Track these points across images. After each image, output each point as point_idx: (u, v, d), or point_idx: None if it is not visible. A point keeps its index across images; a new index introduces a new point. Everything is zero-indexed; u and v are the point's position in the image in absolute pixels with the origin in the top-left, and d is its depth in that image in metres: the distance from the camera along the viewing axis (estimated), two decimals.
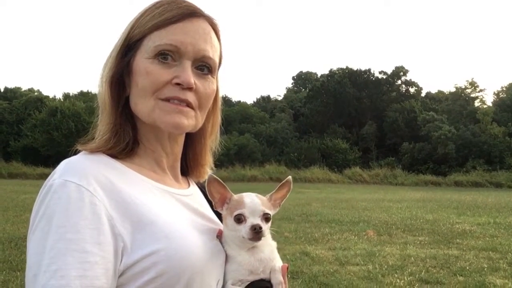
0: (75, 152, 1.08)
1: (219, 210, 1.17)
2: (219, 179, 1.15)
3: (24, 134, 36.20)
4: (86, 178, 0.95)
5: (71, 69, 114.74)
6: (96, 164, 1.02)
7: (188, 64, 1.06)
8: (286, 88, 70.07)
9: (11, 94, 48.04)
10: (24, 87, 53.89)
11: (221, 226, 1.18)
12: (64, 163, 0.99)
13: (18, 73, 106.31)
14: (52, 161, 30.48)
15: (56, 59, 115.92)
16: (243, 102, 55.17)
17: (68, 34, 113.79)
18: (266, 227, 1.11)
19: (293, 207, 13.70)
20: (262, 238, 1.12)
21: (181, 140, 1.20)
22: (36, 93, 49.59)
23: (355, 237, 9.37)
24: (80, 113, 35.27)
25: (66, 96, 47.52)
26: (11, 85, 52.49)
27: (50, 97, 45.86)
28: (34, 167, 30.92)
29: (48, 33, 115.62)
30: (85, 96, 44.83)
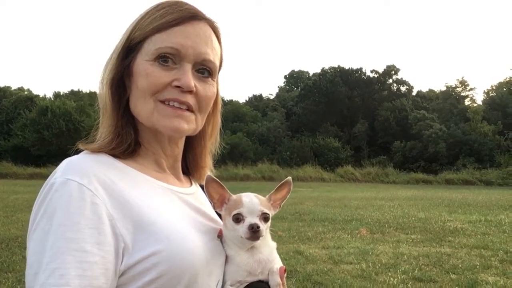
0: (77, 152, 1.07)
1: (218, 210, 1.17)
2: (217, 179, 1.15)
3: (14, 134, 35.77)
4: (87, 177, 0.94)
5: (62, 68, 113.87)
6: (98, 163, 1.01)
7: (188, 67, 1.06)
8: (278, 87, 70.23)
9: (0, 93, 47.49)
10: (14, 86, 53.32)
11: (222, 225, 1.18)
12: (66, 162, 0.99)
13: (7, 72, 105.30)
14: (42, 161, 30.19)
15: (47, 58, 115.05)
16: (235, 101, 55.10)
17: (59, 32, 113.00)
18: (264, 227, 1.11)
19: (286, 206, 13.65)
20: (262, 239, 1.12)
21: (181, 143, 1.20)
22: (26, 92, 49.12)
23: (348, 235, 9.40)
24: (71, 112, 34.88)
25: (57, 95, 47.03)
26: (0, 84, 51.89)
27: (41, 96, 45.44)
28: (25, 167, 30.55)
29: (38, 31, 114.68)
30: (75, 95, 44.40)
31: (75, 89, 49.94)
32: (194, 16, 1.07)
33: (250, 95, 65.24)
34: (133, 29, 1.08)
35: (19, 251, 7.01)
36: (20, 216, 10.53)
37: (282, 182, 1.20)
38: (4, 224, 9.76)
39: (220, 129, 1.28)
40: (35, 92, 52.31)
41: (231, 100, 54.48)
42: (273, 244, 1.20)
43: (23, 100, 41.49)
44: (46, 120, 34.31)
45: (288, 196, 1.21)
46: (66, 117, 34.57)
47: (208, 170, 1.30)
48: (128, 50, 1.07)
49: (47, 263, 0.85)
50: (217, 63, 1.13)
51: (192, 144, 1.25)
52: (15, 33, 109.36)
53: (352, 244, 8.48)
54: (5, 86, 51.31)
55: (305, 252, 7.56)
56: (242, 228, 1.09)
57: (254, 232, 1.08)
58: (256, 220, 1.10)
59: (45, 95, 47.05)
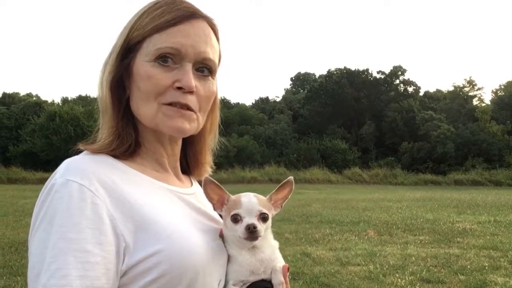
0: (77, 152, 1.08)
1: (218, 211, 1.18)
2: (215, 181, 1.16)
3: (23, 139, 36.07)
4: (88, 178, 0.95)
5: (70, 73, 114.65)
6: (98, 164, 1.02)
7: (189, 67, 1.06)
8: (285, 89, 70.10)
9: (9, 99, 47.93)
10: (23, 92, 53.86)
11: None
12: (66, 163, 0.99)
13: (16, 78, 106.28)
14: (51, 166, 30.25)
15: (54, 64, 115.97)
16: (241, 104, 55.12)
17: (66, 38, 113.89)
18: (263, 227, 1.11)
19: (293, 208, 13.70)
20: (263, 238, 1.12)
21: (180, 140, 1.20)
22: (34, 98, 49.48)
23: (355, 237, 9.37)
24: (79, 117, 35.13)
25: (65, 100, 47.44)
26: (9, 90, 52.46)
27: (49, 101, 45.73)
28: (34, 172, 30.81)
29: (46, 37, 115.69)
30: (83, 100, 44.72)
31: (83, 94, 50.42)
32: (192, 14, 1.07)
33: (257, 98, 65.22)
34: (131, 29, 1.07)
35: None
36: (29, 221, 10.36)
37: (283, 182, 1.19)
38: (14, 228, 9.87)
39: (220, 126, 1.29)
40: (43, 97, 53.00)
41: (238, 103, 54.57)
42: (275, 243, 1.20)
43: (31, 106, 41.82)
44: (55, 125, 34.56)
45: (289, 196, 1.20)
46: (74, 122, 34.81)
47: (208, 166, 1.30)
48: (127, 51, 1.07)
49: (48, 264, 0.86)
50: (217, 61, 1.13)
51: (192, 141, 1.25)
52: (23, 39, 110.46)
53: (360, 245, 8.46)
54: (14, 92, 51.93)
55: (312, 254, 7.55)
56: (240, 228, 1.09)
57: (251, 233, 1.08)
58: (254, 220, 1.10)
59: (53, 101, 47.39)
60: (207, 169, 1.30)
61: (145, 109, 1.07)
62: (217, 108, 1.24)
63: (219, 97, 1.24)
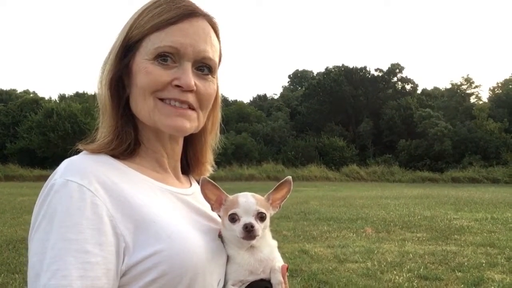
0: (77, 152, 1.07)
1: (216, 212, 1.17)
2: (212, 181, 1.16)
3: (20, 136, 35.97)
4: (87, 178, 0.94)
5: (67, 70, 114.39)
6: (98, 164, 1.01)
7: (188, 66, 1.05)
8: (283, 86, 70.24)
9: (6, 96, 47.82)
10: (20, 89, 53.74)
11: None
12: (65, 163, 0.99)
13: (13, 75, 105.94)
14: (48, 163, 30.33)
15: (52, 60, 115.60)
16: (239, 101, 55.04)
17: (63, 35, 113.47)
18: (260, 226, 1.11)
19: (291, 206, 13.70)
20: (260, 238, 1.12)
21: (181, 140, 1.20)
22: (31, 95, 49.34)
23: (353, 234, 9.39)
24: (76, 114, 35.05)
25: (62, 97, 47.26)
26: (6, 87, 52.26)
27: (46, 98, 45.59)
28: (31, 169, 30.76)
29: (43, 34, 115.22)
30: (81, 97, 44.56)
31: (80, 91, 50.19)
32: (192, 13, 1.06)
33: (255, 95, 65.30)
34: (131, 28, 1.06)
35: (26, 252, 6.96)
36: (26, 218, 10.59)
37: (281, 181, 1.19)
38: (11, 226, 9.84)
39: (221, 125, 1.28)
40: (40, 94, 52.56)
41: (236, 101, 54.45)
42: (274, 243, 1.19)
43: (28, 103, 41.69)
44: (52, 122, 34.47)
45: (288, 196, 1.20)
46: (72, 119, 34.72)
47: (209, 165, 1.30)
48: (127, 49, 1.06)
49: (48, 264, 0.86)
50: (217, 60, 1.12)
51: (192, 140, 1.25)
52: (20, 36, 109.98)
53: (357, 243, 8.47)
54: (11, 89, 51.83)
55: (310, 251, 7.56)
56: (238, 228, 1.09)
57: (248, 232, 1.08)
58: (251, 220, 1.10)
59: (50, 98, 47.22)
60: (208, 168, 1.29)
61: (142, 106, 1.06)
62: (218, 107, 1.23)
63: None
